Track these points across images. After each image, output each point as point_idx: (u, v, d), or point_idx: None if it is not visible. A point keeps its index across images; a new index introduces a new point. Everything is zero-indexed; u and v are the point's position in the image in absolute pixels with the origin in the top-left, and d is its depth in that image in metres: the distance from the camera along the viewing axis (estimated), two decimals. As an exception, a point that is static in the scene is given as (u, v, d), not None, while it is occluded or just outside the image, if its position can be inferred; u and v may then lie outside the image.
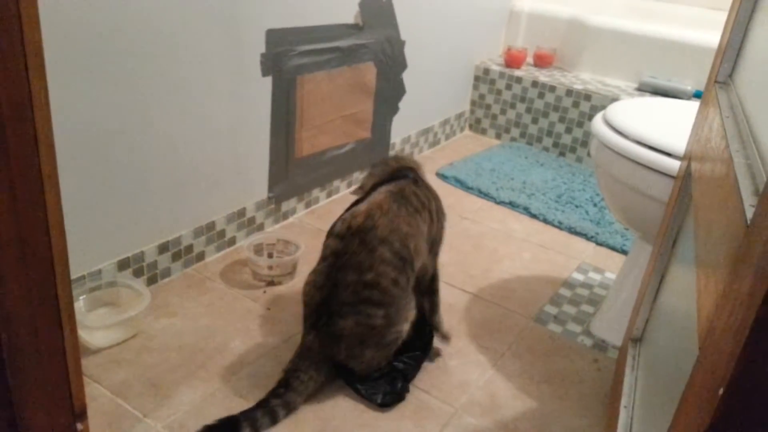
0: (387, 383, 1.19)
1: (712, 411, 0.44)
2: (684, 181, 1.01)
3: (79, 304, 1.28)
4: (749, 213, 0.50)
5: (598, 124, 1.31)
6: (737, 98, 0.83)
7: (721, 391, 0.43)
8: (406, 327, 1.19)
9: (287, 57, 1.61)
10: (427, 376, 1.26)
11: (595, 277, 1.69)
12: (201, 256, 1.55)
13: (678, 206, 1.02)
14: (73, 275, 1.28)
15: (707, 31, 2.24)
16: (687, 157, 1.02)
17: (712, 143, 0.79)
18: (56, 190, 0.92)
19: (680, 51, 2.32)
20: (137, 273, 1.41)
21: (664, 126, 1.26)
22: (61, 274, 0.96)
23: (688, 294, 0.73)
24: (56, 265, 0.95)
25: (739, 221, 0.51)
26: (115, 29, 1.20)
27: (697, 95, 2.23)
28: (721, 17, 1.05)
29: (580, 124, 2.38)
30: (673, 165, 1.11)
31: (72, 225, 1.24)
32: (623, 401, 0.95)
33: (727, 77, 0.94)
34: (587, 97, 2.33)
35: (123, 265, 1.37)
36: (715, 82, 0.96)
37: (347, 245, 1.11)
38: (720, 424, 0.44)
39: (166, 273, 1.48)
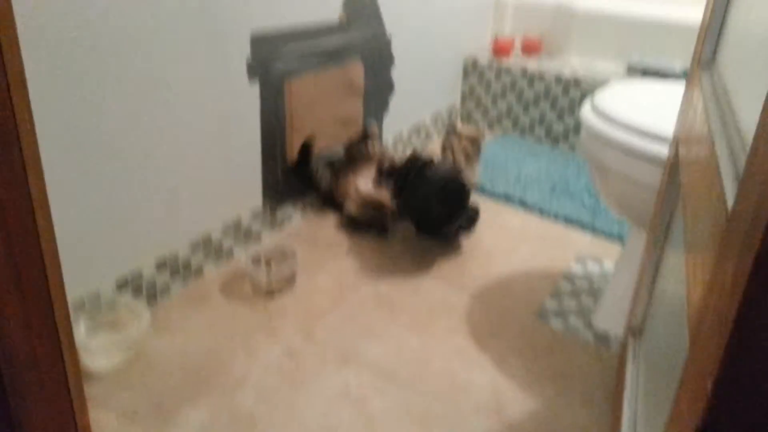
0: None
1: (703, 407, 0.43)
2: (673, 166, 1.00)
3: (79, 328, 1.28)
4: (730, 200, 0.49)
5: (586, 111, 1.30)
6: (720, 80, 0.82)
7: (709, 385, 0.43)
8: None
9: (273, 61, 1.60)
10: (430, 380, 1.26)
11: (594, 267, 1.68)
12: (199, 271, 1.55)
13: (668, 192, 1.01)
14: (72, 298, 1.28)
15: (692, 8, 2.22)
16: (675, 142, 1.02)
17: (696, 127, 0.79)
18: (47, 214, 0.92)
19: (666, 30, 2.31)
20: (136, 292, 1.41)
21: (653, 110, 1.25)
22: (59, 302, 0.96)
23: (683, 282, 0.73)
24: (53, 292, 0.95)
25: (721, 208, 0.51)
26: (99, 47, 1.19)
27: (686, 74, 2.22)
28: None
29: (571, 111, 2.37)
30: (663, 150, 1.10)
31: (67, 247, 1.24)
32: (626, 394, 0.94)
33: (710, 59, 0.93)
34: (576, 83, 2.32)
35: (121, 284, 1.37)
36: (699, 64, 0.95)
37: None
38: (712, 422, 0.43)
39: (165, 290, 1.47)
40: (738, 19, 0.84)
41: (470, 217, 1.69)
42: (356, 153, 1.84)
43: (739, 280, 0.40)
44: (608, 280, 1.50)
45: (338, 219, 1.86)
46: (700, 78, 0.89)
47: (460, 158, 1.70)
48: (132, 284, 1.39)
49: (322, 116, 1.83)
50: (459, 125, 1.72)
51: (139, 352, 1.30)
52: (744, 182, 0.47)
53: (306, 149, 1.68)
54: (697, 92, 0.86)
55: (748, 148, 0.57)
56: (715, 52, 0.94)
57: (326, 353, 1.32)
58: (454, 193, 1.62)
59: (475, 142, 1.76)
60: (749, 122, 0.61)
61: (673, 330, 0.81)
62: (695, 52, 0.99)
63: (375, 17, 1.94)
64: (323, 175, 1.83)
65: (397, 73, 2.13)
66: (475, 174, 1.77)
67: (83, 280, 1.30)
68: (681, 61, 2.26)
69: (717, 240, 0.50)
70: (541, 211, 1.94)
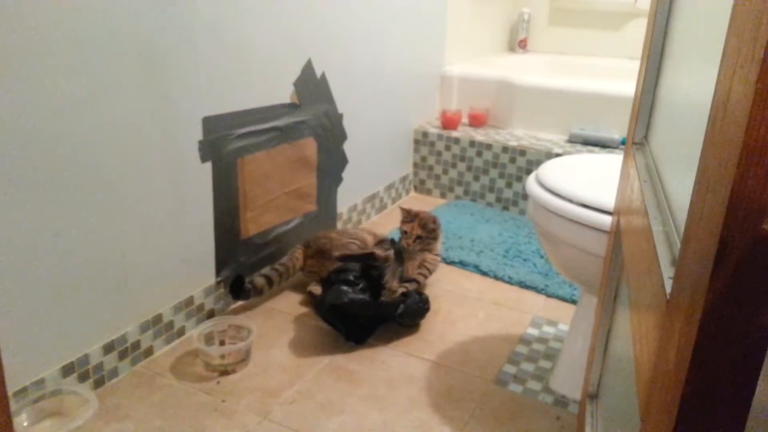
0: None
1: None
2: (616, 235, 1.05)
3: (21, 419, 1.21)
4: (668, 286, 0.52)
5: (531, 184, 1.36)
6: (652, 161, 0.88)
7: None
8: None
9: (226, 141, 1.62)
10: (392, 454, 1.24)
11: (549, 330, 1.71)
12: (149, 351, 1.50)
13: (614, 260, 1.05)
14: (15, 387, 1.22)
15: (628, 81, 2.37)
16: (617, 213, 1.07)
17: (634, 205, 0.83)
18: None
19: (604, 102, 2.45)
20: (83, 377, 1.35)
21: (594, 182, 1.31)
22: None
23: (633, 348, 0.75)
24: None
25: (661, 293, 0.54)
26: (45, 133, 1.19)
27: (625, 142, 2.34)
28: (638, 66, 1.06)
29: (518, 179, 2.45)
30: (606, 220, 1.16)
31: (10, 334, 1.19)
32: (585, 463, 0.95)
33: (643, 138, 1.00)
34: (522, 152, 2.42)
35: (67, 370, 1.31)
36: (633, 142, 1.01)
37: None
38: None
39: (114, 373, 1.42)
40: (665, 102, 0.90)
41: (418, 310, 1.68)
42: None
43: (681, 370, 0.42)
44: (563, 343, 1.52)
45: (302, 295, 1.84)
46: (634, 156, 0.95)
47: (413, 243, 1.83)
48: (78, 369, 1.34)
49: (276, 191, 1.85)
50: (412, 210, 1.89)
51: (86, 442, 1.24)
52: (679, 274, 0.50)
53: (239, 282, 1.70)
54: (633, 171, 0.91)
55: (680, 230, 0.61)
56: (647, 132, 1.00)
57: (284, 434, 1.29)
58: (352, 312, 1.60)
59: (426, 226, 1.84)
60: (679, 203, 0.65)
61: (627, 393, 0.83)
62: (629, 131, 1.05)
63: (326, 96, 2.00)
64: (294, 254, 1.84)
65: (350, 147, 2.18)
66: (437, 250, 1.90)
67: (27, 369, 1.24)
68: (619, 131, 2.39)
69: (659, 324, 0.53)
70: (496, 276, 1.98)
